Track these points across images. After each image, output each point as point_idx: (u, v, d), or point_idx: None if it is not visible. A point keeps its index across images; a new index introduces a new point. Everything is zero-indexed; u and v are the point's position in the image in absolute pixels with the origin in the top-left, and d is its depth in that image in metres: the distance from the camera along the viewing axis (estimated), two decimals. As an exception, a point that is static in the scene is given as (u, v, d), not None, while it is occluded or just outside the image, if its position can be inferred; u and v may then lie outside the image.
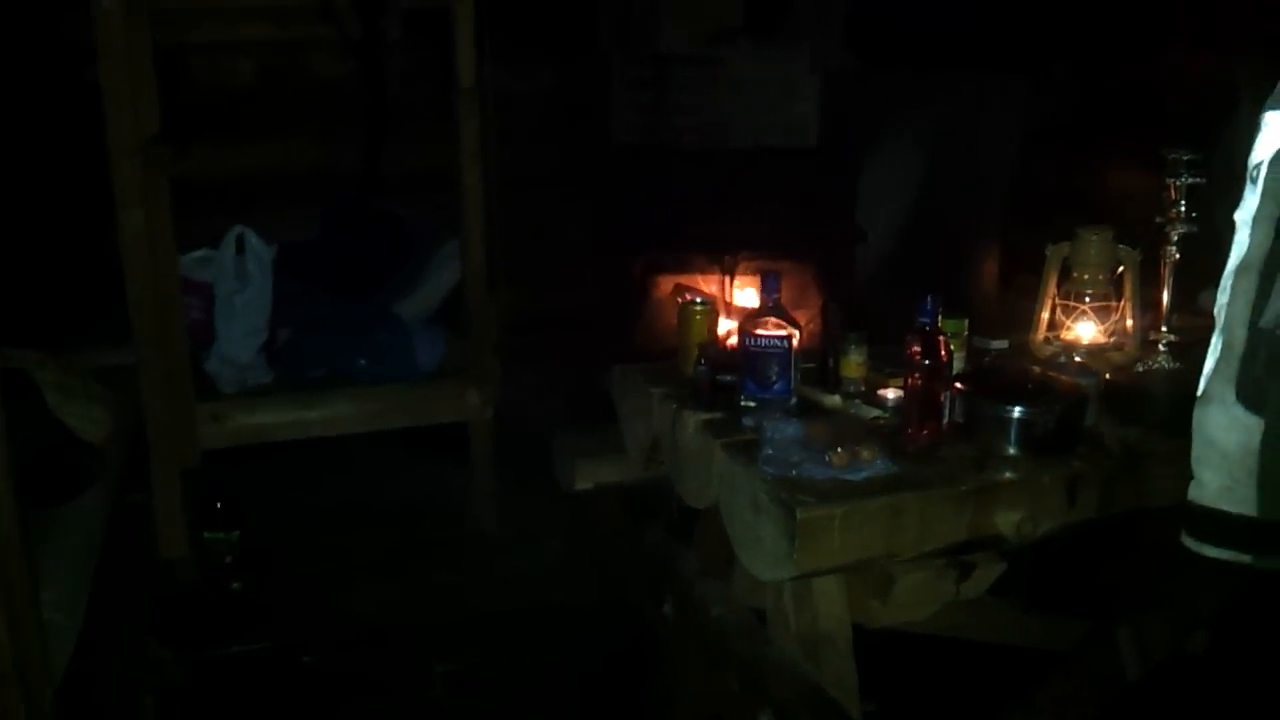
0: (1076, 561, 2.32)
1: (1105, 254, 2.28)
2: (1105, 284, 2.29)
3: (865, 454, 1.85)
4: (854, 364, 2.16)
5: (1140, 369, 2.25)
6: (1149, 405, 2.06)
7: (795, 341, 2.07)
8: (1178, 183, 2.18)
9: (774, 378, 2.06)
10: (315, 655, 2.68)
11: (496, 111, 3.32)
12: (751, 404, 2.08)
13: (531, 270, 3.73)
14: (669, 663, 2.31)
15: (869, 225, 3.96)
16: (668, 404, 2.17)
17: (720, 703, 2.05)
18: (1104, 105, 3.09)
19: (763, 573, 1.85)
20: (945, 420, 1.94)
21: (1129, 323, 2.30)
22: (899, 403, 2.03)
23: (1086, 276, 2.29)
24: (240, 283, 3.19)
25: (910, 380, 1.92)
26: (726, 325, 2.97)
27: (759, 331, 2.06)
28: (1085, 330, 2.30)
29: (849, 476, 1.81)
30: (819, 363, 2.25)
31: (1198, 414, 1.11)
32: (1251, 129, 1.08)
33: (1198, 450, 1.11)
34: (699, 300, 2.31)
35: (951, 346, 1.97)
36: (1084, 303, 2.28)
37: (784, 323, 2.08)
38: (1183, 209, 2.19)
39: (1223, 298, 1.09)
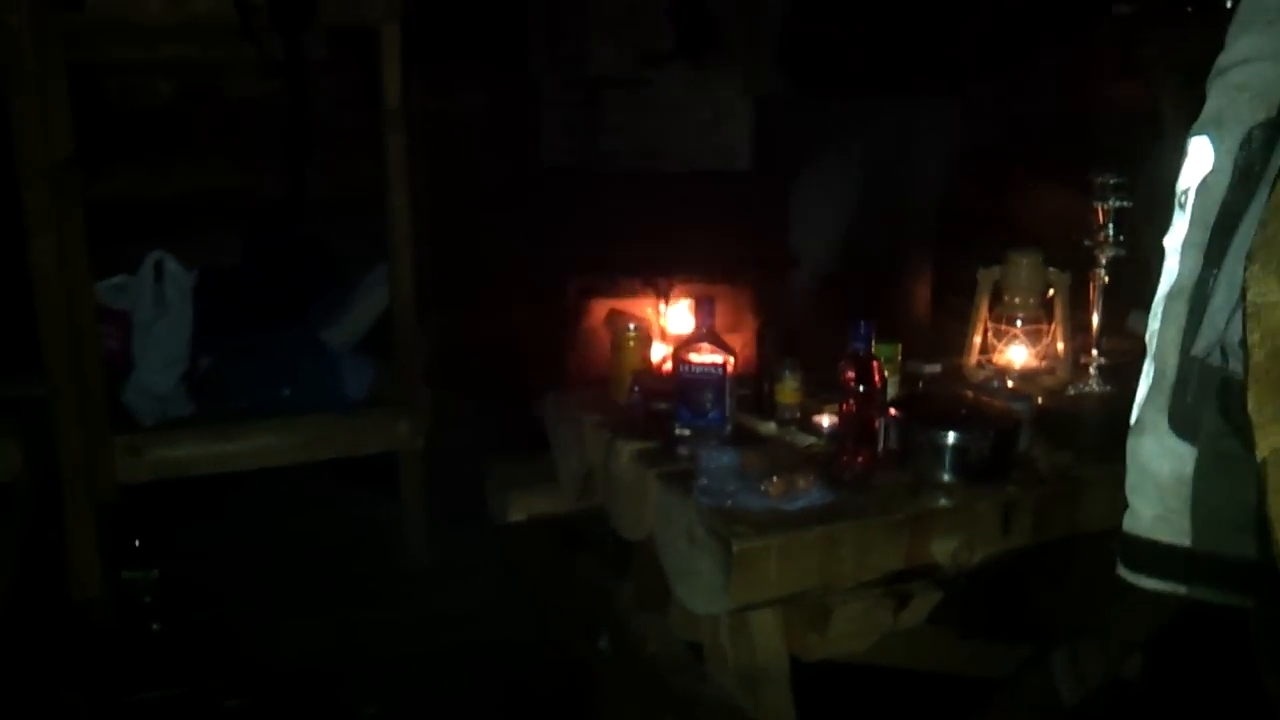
0: (1011, 588, 2.32)
1: (1035, 277, 2.29)
2: (1036, 307, 2.30)
3: (801, 483, 1.83)
4: (789, 390, 2.14)
5: (1072, 392, 2.26)
6: (1081, 429, 2.06)
7: (730, 368, 2.04)
8: (1105, 206, 2.19)
9: (709, 405, 2.04)
10: (239, 699, 2.58)
11: (424, 133, 3.27)
12: (686, 432, 2.05)
13: (462, 296, 3.67)
14: (605, 700, 2.26)
15: (802, 249, 3.96)
16: (601, 433, 2.13)
17: (657, 740, 2.01)
18: (1032, 130, 3.13)
19: (698, 606, 1.82)
20: (880, 446, 1.92)
21: (1060, 346, 2.30)
22: (834, 429, 2.01)
23: (1017, 300, 2.30)
24: (159, 310, 3.09)
25: (844, 406, 1.90)
26: (661, 351, 2.94)
27: (693, 358, 2.03)
28: (1017, 354, 2.30)
29: (785, 506, 1.79)
30: (754, 389, 2.22)
31: (1131, 443, 1.10)
32: (1177, 153, 1.07)
33: (1132, 479, 1.10)
34: (632, 326, 2.28)
35: (885, 371, 1.95)
36: (1015, 326, 2.29)
37: (718, 349, 2.05)
38: (1110, 232, 2.20)
39: (1154, 324, 1.08)
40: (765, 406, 2.17)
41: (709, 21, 3.89)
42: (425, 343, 3.24)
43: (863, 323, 1.90)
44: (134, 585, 2.85)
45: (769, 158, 3.99)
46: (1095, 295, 2.26)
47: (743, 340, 3.40)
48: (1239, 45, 1.05)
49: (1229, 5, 1.08)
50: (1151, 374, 1.09)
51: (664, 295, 3.65)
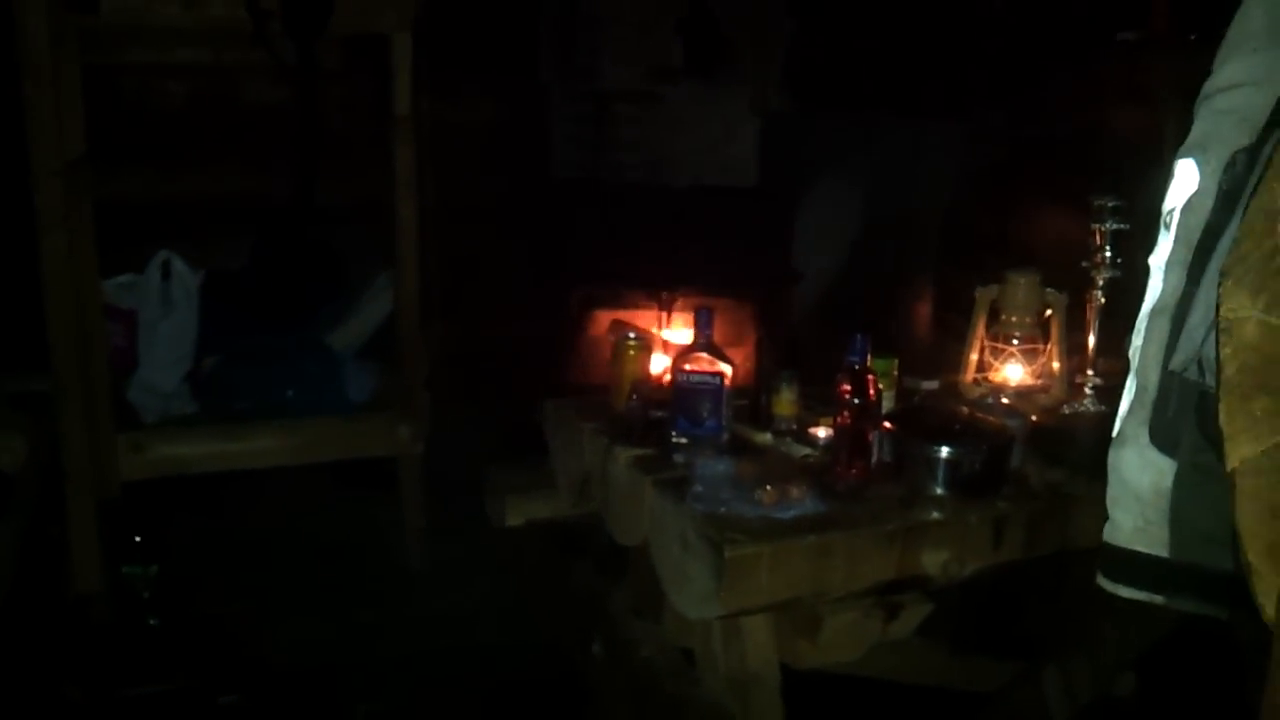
0: (1004, 603, 2.34)
1: (1033, 297, 2.32)
2: (1033, 327, 2.32)
3: (794, 492, 1.85)
4: (786, 402, 2.16)
5: (1067, 411, 2.28)
6: (1074, 447, 2.08)
7: (727, 379, 2.06)
8: (1103, 228, 2.22)
9: (705, 415, 2.06)
10: (235, 695, 2.59)
11: (434, 142, 3.30)
12: (683, 440, 2.07)
13: (466, 303, 3.70)
14: (598, 704, 2.28)
15: (805, 265, 3.99)
16: (599, 439, 2.15)
17: (648, 745, 2.03)
18: (1036, 152, 3.15)
19: (690, 611, 1.83)
20: (874, 459, 1.95)
21: (1056, 365, 2.33)
22: (829, 441, 2.03)
23: (1014, 319, 2.32)
24: (165, 309, 3.11)
25: (839, 419, 1.93)
26: (663, 362, 2.97)
27: (691, 368, 2.06)
28: (1013, 372, 2.33)
29: (778, 515, 1.81)
30: (752, 400, 2.25)
31: (1112, 455, 1.12)
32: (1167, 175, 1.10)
33: (1113, 491, 1.12)
34: (632, 336, 2.30)
35: (880, 385, 1.98)
36: (1012, 345, 2.31)
37: (716, 360, 2.07)
38: (1108, 254, 2.22)
39: (1136, 340, 1.11)
40: (762, 417, 2.20)
41: (719, 39, 3.93)
42: (428, 348, 3.26)
43: (858, 337, 1.92)
44: (133, 581, 2.87)
45: (775, 174, 4.02)
46: (1091, 316, 2.29)
47: (744, 353, 3.43)
48: (1224, 71, 1.07)
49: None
50: (1134, 389, 1.11)
51: (667, 307, 3.68)
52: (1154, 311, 1.09)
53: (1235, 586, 0.95)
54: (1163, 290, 1.09)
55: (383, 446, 3.19)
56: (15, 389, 2.76)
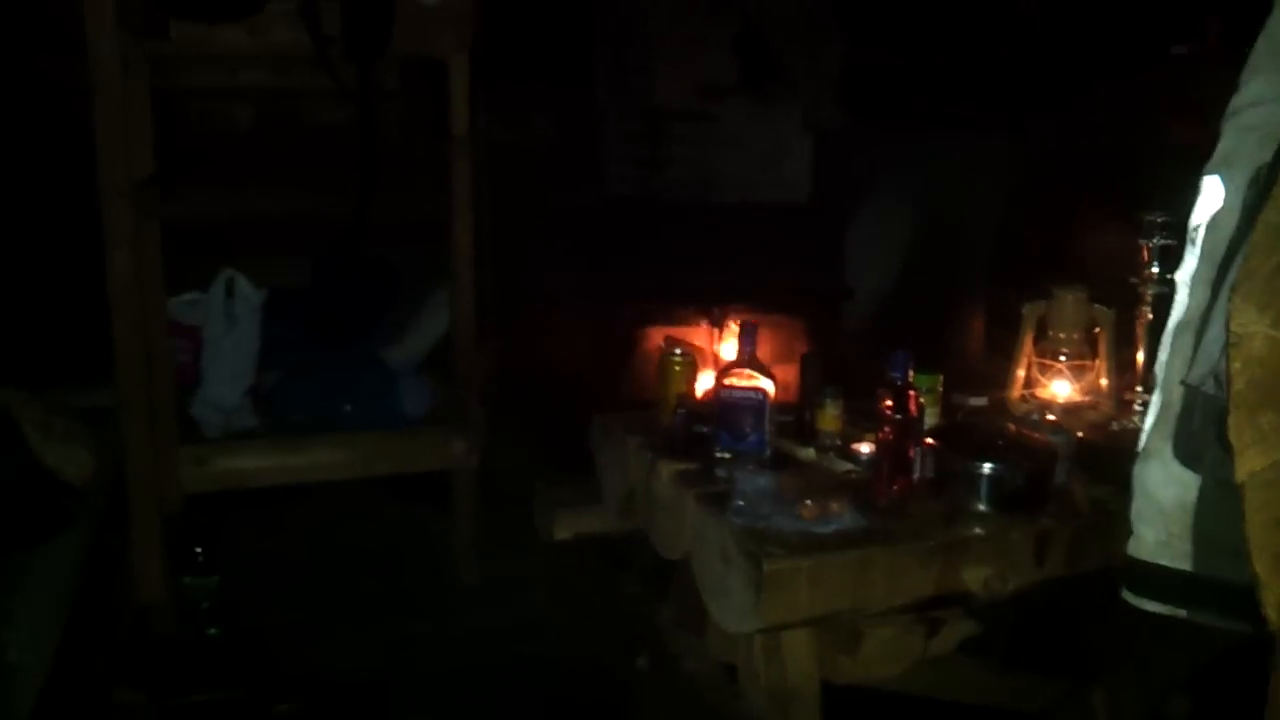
0: (1058, 622, 2.31)
1: (1080, 313, 2.30)
2: (1081, 343, 2.31)
3: (835, 507, 1.86)
4: (830, 417, 2.17)
5: (1115, 428, 2.26)
6: (1121, 464, 2.05)
7: (770, 394, 2.08)
8: (1151, 244, 2.20)
9: (748, 429, 2.07)
10: (289, 705, 2.65)
11: (490, 161, 3.35)
12: (726, 455, 2.09)
13: (521, 319, 3.75)
14: (642, 717, 2.29)
15: (857, 281, 3.99)
16: (644, 453, 2.18)
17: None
18: (1087, 167, 3.13)
19: (730, 624, 1.85)
20: (916, 475, 1.95)
21: (1104, 382, 2.31)
22: (871, 457, 2.03)
23: (1062, 335, 2.31)
24: (228, 326, 3.20)
25: (881, 434, 1.93)
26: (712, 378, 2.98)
27: (734, 383, 2.08)
28: (1061, 388, 2.31)
29: (818, 529, 1.82)
30: (796, 415, 2.26)
31: (1137, 469, 1.13)
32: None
33: (1137, 505, 1.12)
34: (678, 351, 2.33)
35: (923, 401, 1.98)
36: (1060, 361, 2.30)
37: (760, 375, 2.09)
38: (1156, 269, 2.20)
39: (1162, 355, 1.11)
40: (806, 433, 2.21)
41: (771, 56, 3.95)
42: (483, 364, 3.30)
43: (900, 353, 1.93)
44: (194, 591, 2.93)
45: (827, 190, 4.03)
46: (1141, 332, 2.27)
47: (794, 369, 3.43)
48: (1250, 88, 1.08)
49: None
50: (1159, 403, 1.11)
51: (718, 323, 3.70)
52: (1179, 327, 1.10)
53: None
54: (1188, 306, 1.09)
55: (437, 460, 3.24)
56: (85, 403, 2.84)
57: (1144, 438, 1.13)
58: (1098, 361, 2.32)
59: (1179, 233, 2.17)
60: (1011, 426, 2.09)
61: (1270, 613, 0.81)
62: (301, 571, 3.23)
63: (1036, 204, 3.31)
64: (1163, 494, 1.09)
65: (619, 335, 3.83)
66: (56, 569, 2.24)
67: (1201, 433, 1.05)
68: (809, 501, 1.85)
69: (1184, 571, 1.08)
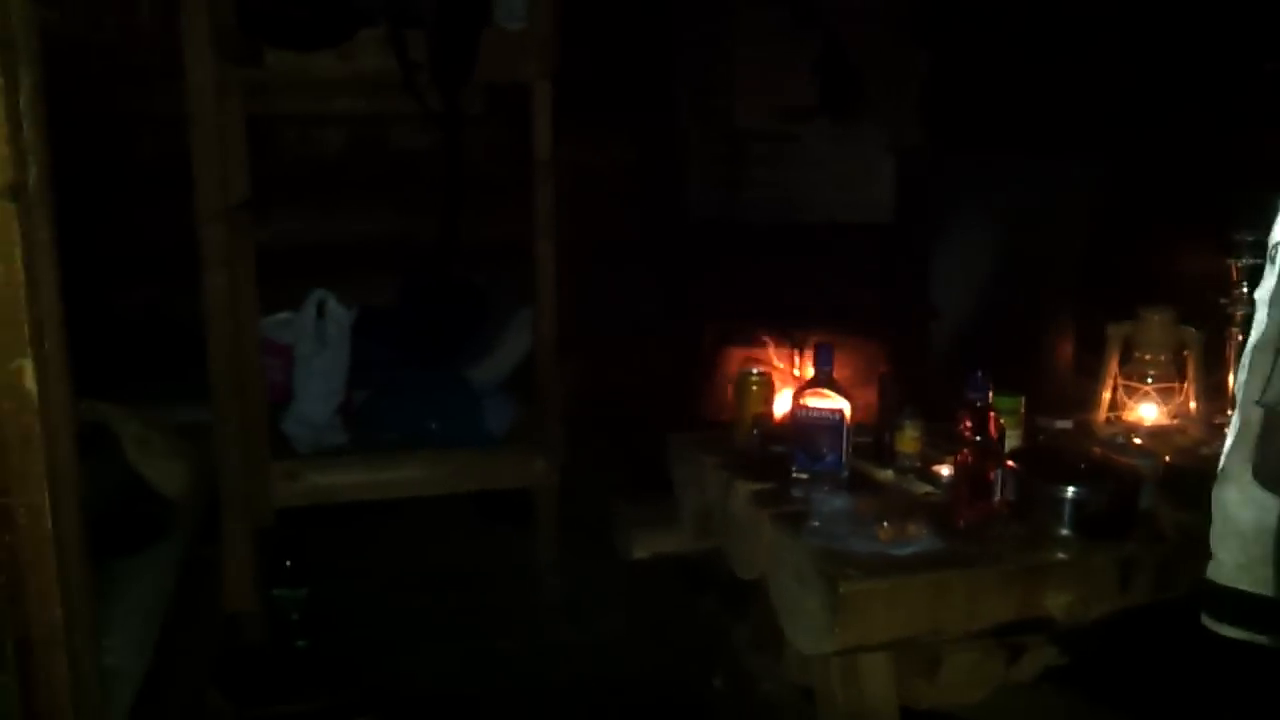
0: (1148, 655, 2.25)
1: (1168, 334, 2.26)
2: (1169, 365, 2.26)
3: (912, 529, 1.84)
4: (909, 439, 2.16)
5: (1204, 452, 2.20)
6: (1209, 489, 2.01)
7: (847, 414, 2.07)
8: (1240, 263, 2.15)
9: (825, 449, 2.07)
10: (371, 717, 2.70)
11: (573, 184, 3.40)
12: (803, 475, 2.08)
13: (602, 340, 3.78)
14: (717, 737, 2.30)
15: (942, 303, 3.94)
16: (720, 473, 2.18)
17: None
18: (1177, 187, 3.06)
19: (806, 646, 1.84)
20: (996, 498, 1.92)
21: (1193, 405, 2.26)
22: (951, 479, 2.02)
23: (1149, 357, 2.26)
24: (319, 345, 3.29)
25: (960, 456, 1.91)
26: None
27: (810, 403, 2.07)
28: (1148, 411, 2.27)
29: (895, 551, 1.81)
30: (875, 437, 2.25)
31: (1216, 492, 1.11)
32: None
33: (1216, 528, 1.10)
34: (755, 370, 2.33)
35: (1004, 423, 1.96)
36: (1146, 383, 2.25)
37: (837, 394, 2.08)
38: (1244, 290, 2.15)
39: (1241, 375, 1.09)
40: (885, 454, 2.20)
41: (854, 77, 3.94)
42: (564, 384, 3.34)
43: (979, 373, 1.91)
44: (283, 603, 3.01)
45: (911, 211, 3.99)
46: (1231, 354, 2.21)
47: (875, 391, 3.40)
48: None
49: None
50: (1238, 424, 1.10)
51: (799, 345, 3.69)
52: (1257, 347, 1.08)
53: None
54: (1267, 325, 1.07)
55: (518, 478, 3.28)
56: (181, 419, 2.93)
57: (1223, 459, 1.11)
58: (1186, 384, 2.27)
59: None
60: (1095, 450, 2.06)
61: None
62: (387, 586, 3.29)
63: (1125, 223, 3.24)
64: (1241, 517, 1.07)
65: (699, 356, 3.84)
66: (152, 579, 2.31)
67: (1281, 455, 1.03)
68: (886, 523, 1.84)
69: (1264, 596, 1.05)
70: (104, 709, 1.71)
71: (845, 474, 2.08)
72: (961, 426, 1.90)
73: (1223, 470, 1.10)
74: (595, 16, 3.70)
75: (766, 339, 3.71)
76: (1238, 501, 1.07)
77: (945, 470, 2.07)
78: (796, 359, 3.71)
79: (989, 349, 3.66)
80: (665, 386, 3.83)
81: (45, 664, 1.49)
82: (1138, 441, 2.12)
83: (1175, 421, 2.27)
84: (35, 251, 1.35)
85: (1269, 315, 1.07)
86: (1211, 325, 2.26)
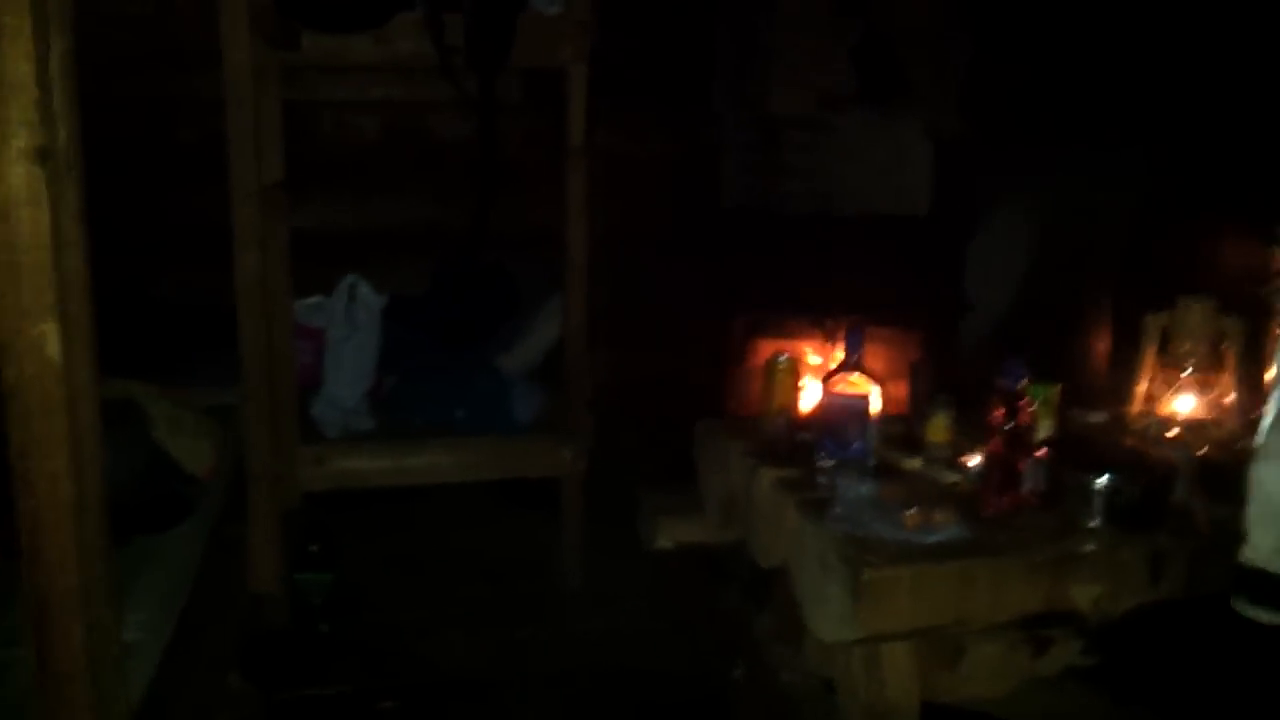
0: (1180, 653, 2.19)
1: (1207, 324, 2.20)
2: (1208, 356, 2.20)
3: (938, 517, 1.81)
4: (939, 428, 2.12)
5: (1241, 446, 2.14)
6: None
7: (874, 400, 2.04)
8: (1281, 253, 2.09)
9: (851, 436, 2.04)
10: (393, 702, 2.70)
11: (606, 171, 3.37)
12: (829, 462, 2.05)
13: (632, 329, 3.76)
14: (738, 727, 2.27)
15: (978, 294, 3.88)
16: (746, 459, 2.16)
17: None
18: (1221, 178, 2.99)
19: (827, 633, 1.81)
20: (1027, 487, 1.88)
21: (1231, 397, 2.20)
22: (980, 469, 1.98)
23: (1187, 347, 2.21)
24: (350, 330, 3.29)
25: (990, 444, 1.88)
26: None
27: (837, 389, 2.04)
28: (1184, 403, 2.21)
29: (920, 539, 1.78)
30: (905, 426, 2.21)
31: (1254, 470, 1.06)
32: None
33: (1253, 509, 1.06)
34: (783, 356, 2.30)
35: (1035, 411, 1.91)
36: (1184, 374, 2.20)
37: (866, 380, 2.05)
38: (1286, 278, 2.10)
39: (1280, 355, 1.05)
40: (914, 444, 2.16)
41: (893, 65, 3.89)
42: (593, 373, 3.33)
43: (1013, 360, 1.87)
44: (307, 587, 3.02)
45: (948, 202, 3.94)
46: (1273, 345, 2.15)
47: (905, 383, 3.36)
48: None
49: None
50: (1277, 401, 1.05)
51: (832, 336, 3.64)
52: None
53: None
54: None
55: (545, 467, 3.27)
56: (212, 401, 2.94)
57: (1261, 437, 1.06)
58: (1225, 376, 2.21)
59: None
60: (1129, 440, 2.01)
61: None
62: (412, 572, 3.29)
63: (1168, 216, 3.17)
64: (1281, 496, 1.03)
65: (731, 346, 3.80)
66: (177, 556, 2.32)
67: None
68: (912, 511, 1.81)
69: (1304, 580, 1.01)
70: (122, 680, 1.71)
71: (872, 462, 2.05)
72: (993, 414, 1.86)
73: (1262, 448, 1.06)
74: (633, 2, 3.69)
75: (799, 330, 3.67)
76: (1277, 480, 1.03)
77: (974, 460, 2.04)
78: (829, 349, 3.66)
79: (1024, 341, 3.60)
80: (696, 376, 3.80)
81: (62, 630, 1.49)
82: (1173, 433, 2.07)
83: (1213, 414, 2.21)
84: (62, 215, 1.35)
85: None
86: (1251, 317, 2.20)
